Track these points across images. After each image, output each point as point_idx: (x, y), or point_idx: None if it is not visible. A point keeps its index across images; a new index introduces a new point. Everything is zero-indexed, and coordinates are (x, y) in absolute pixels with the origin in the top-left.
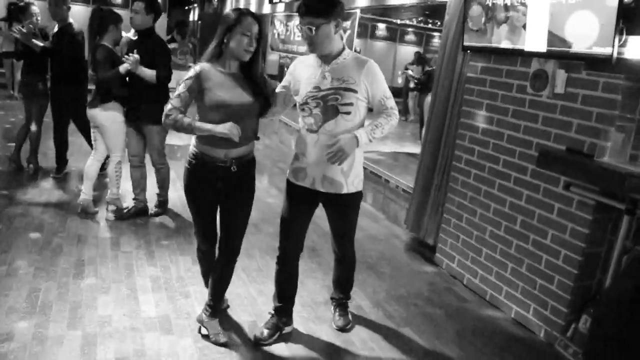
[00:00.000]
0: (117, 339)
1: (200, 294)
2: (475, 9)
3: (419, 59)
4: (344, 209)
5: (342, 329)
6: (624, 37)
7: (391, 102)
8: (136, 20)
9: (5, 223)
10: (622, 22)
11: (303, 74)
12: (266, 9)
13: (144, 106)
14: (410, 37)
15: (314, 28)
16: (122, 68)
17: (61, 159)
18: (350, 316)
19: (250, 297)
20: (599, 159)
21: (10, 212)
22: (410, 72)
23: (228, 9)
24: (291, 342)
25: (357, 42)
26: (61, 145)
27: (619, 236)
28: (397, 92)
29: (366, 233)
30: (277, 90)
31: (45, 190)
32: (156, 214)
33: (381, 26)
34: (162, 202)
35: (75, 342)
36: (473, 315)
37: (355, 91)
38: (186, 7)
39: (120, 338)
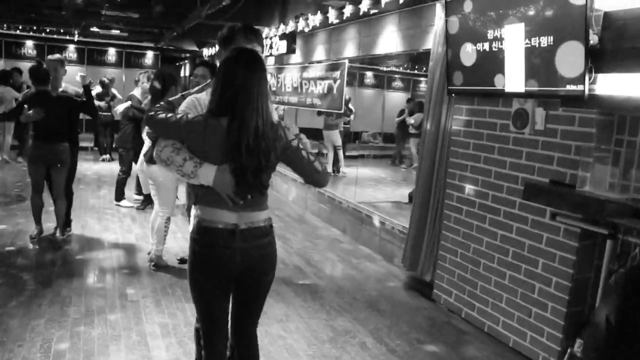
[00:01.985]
0: None
1: None
2: (465, 51)
3: (420, 106)
4: None
5: None
6: (593, 75)
7: None
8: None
9: (12, 279)
10: (590, 61)
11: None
12: None
13: None
14: (398, 83)
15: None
16: None
17: (66, 218)
18: None
19: None
20: (580, 189)
21: (17, 267)
22: (412, 120)
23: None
24: None
25: (346, 90)
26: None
27: (604, 260)
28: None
29: (364, 274)
30: None
31: (50, 248)
32: None
33: (369, 74)
34: None
35: None
36: (473, 346)
37: None
38: (177, 64)
39: None
